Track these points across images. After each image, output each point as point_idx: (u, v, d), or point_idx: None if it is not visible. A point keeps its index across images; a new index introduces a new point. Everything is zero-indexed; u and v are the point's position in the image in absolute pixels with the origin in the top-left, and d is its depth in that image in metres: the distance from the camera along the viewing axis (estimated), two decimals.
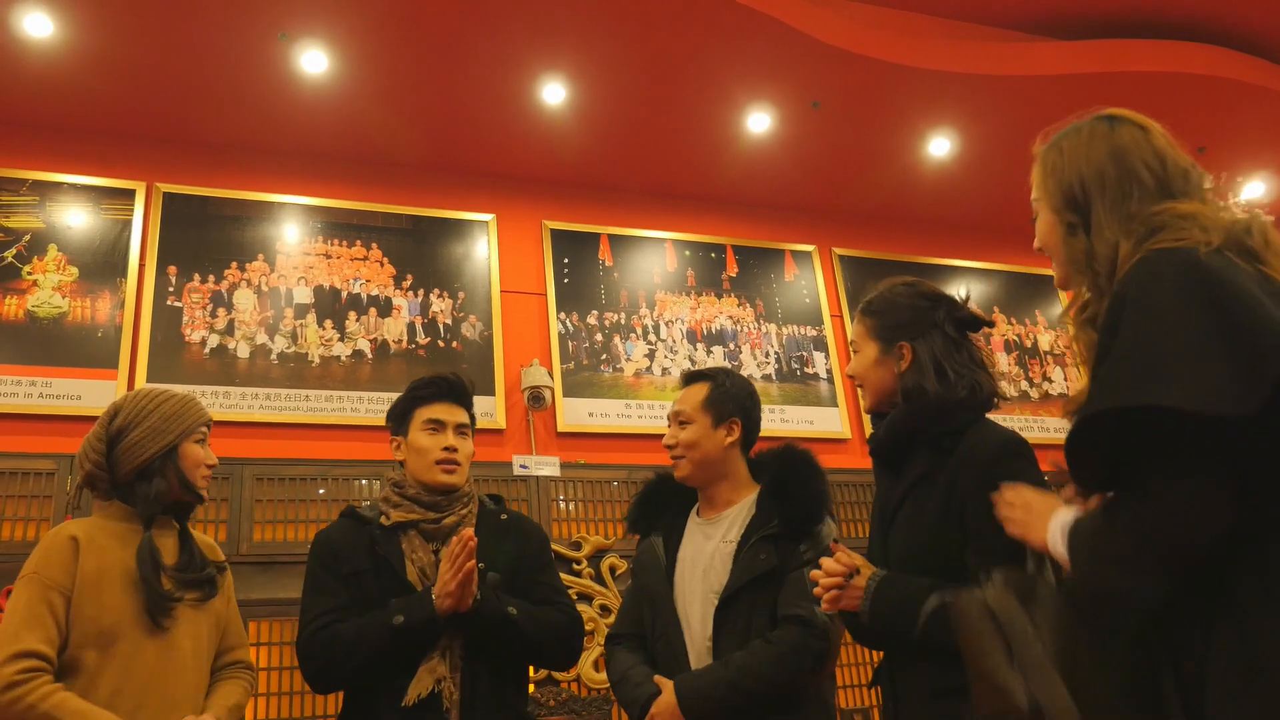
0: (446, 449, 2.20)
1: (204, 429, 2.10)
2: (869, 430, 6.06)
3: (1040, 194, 1.46)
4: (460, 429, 2.25)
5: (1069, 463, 1.22)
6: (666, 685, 2.03)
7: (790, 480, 2.15)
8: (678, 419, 2.26)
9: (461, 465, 2.22)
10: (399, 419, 2.28)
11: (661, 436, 2.33)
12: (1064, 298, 1.49)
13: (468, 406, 2.31)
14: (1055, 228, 1.42)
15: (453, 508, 2.19)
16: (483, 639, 2.06)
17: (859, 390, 1.93)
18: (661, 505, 2.33)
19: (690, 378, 2.35)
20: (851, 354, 1.93)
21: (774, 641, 1.99)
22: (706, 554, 2.16)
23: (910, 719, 1.69)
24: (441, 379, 2.29)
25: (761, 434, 2.33)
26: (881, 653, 1.84)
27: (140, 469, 2.01)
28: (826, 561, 1.76)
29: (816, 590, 1.76)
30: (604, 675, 3.62)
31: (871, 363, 1.86)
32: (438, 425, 2.22)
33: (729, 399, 2.27)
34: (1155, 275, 1.18)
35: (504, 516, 2.29)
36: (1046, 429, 5.73)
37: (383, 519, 2.18)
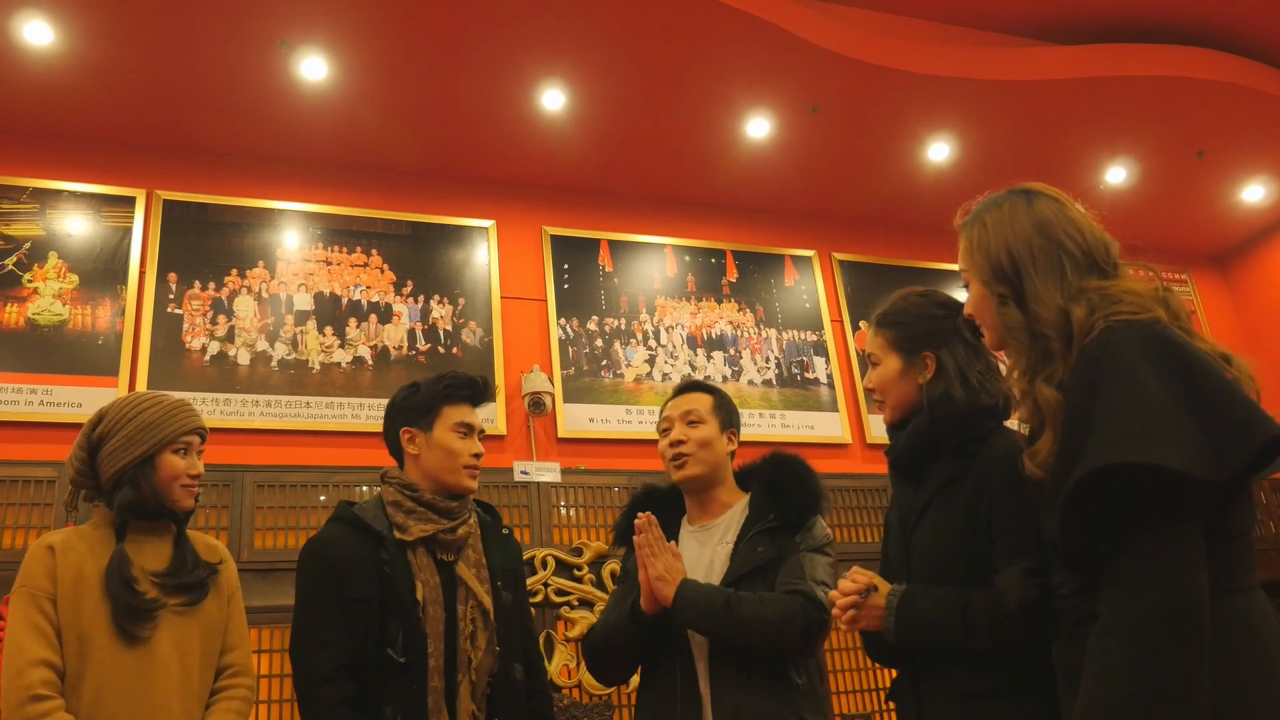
0: (476, 455, 2.18)
1: (189, 438, 2.04)
2: (870, 435, 6.04)
3: (968, 265, 1.53)
4: (480, 434, 2.25)
5: (1064, 518, 1.25)
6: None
7: (785, 478, 2.18)
8: (686, 419, 2.25)
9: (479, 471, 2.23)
10: (421, 412, 2.18)
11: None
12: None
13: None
14: (986, 299, 1.49)
15: (463, 515, 2.16)
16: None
17: (877, 404, 1.89)
18: None
19: (693, 386, 2.36)
20: (870, 366, 1.90)
21: (774, 595, 2.03)
22: (705, 559, 2.16)
23: None
24: (475, 382, 2.24)
25: (760, 439, 2.35)
26: (895, 670, 1.82)
27: (115, 478, 1.99)
28: (842, 582, 1.74)
29: (834, 611, 1.74)
30: None
31: (895, 375, 1.83)
32: (469, 429, 2.19)
33: (731, 411, 2.33)
34: (1128, 344, 1.26)
35: (505, 531, 2.29)
36: None
37: (397, 533, 2.07)
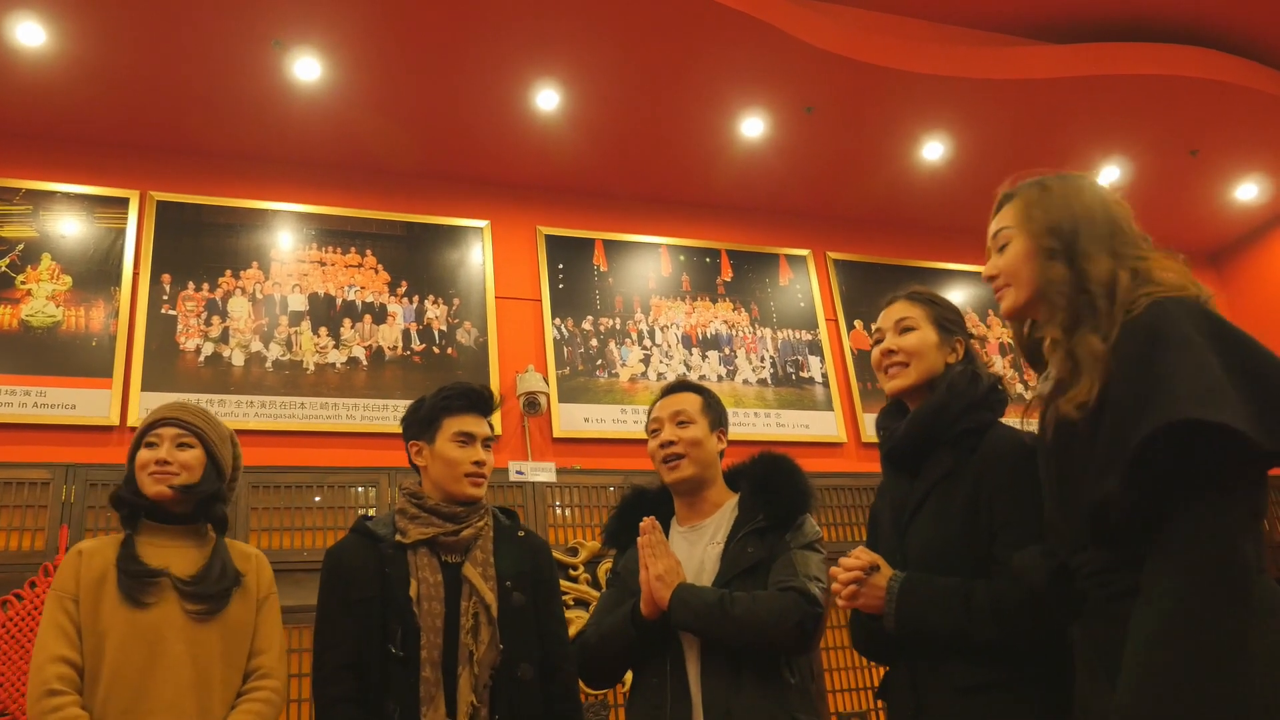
0: (476, 463, 2.22)
1: (157, 431, 2.21)
2: (865, 434, 6.01)
3: (1017, 224, 1.57)
4: (486, 443, 2.28)
5: (1127, 475, 1.26)
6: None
7: (775, 477, 2.19)
8: (676, 419, 2.26)
9: (487, 478, 2.25)
10: (424, 425, 2.26)
11: None
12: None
13: (490, 420, 2.33)
14: (1032, 255, 1.52)
15: (470, 519, 2.20)
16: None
17: (899, 366, 1.90)
18: (638, 519, 2.34)
19: (680, 387, 2.37)
20: (898, 333, 1.92)
21: (768, 593, 2.03)
22: (696, 560, 2.17)
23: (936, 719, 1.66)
24: (473, 391, 2.30)
25: (755, 438, 2.35)
26: (885, 666, 1.82)
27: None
28: (844, 559, 1.76)
29: (834, 586, 1.76)
30: None
31: (934, 344, 1.90)
32: (468, 438, 2.23)
33: (720, 410, 2.34)
34: (1181, 317, 1.30)
35: (521, 534, 2.30)
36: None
37: (398, 536, 2.16)
